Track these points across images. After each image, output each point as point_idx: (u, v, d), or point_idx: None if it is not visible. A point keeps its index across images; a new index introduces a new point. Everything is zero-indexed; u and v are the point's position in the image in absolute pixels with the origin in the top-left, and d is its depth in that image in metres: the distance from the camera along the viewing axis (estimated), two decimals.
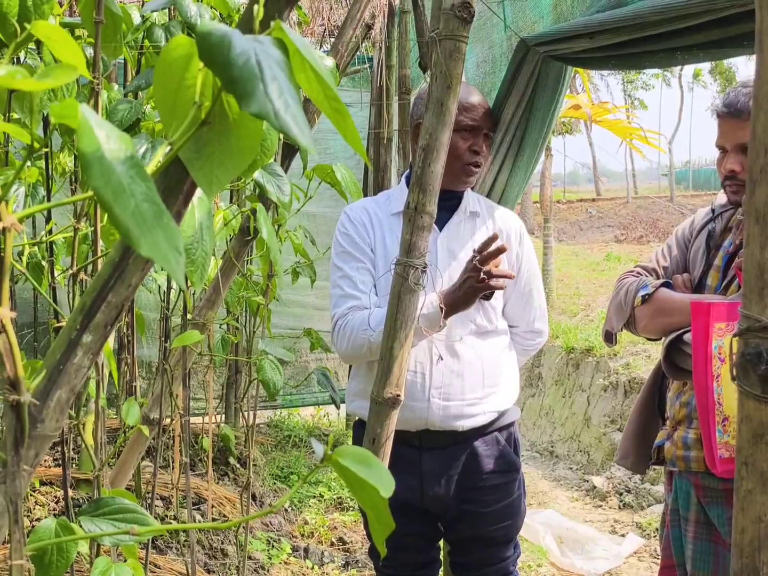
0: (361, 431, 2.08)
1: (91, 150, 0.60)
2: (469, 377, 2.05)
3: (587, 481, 5.37)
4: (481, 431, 2.11)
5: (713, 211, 2.05)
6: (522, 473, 2.22)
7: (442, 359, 1.99)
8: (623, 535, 4.46)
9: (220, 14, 2.45)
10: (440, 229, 2.07)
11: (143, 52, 2.45)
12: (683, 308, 1.88)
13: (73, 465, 3.44)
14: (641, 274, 2.08)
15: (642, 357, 5.64)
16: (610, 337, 2.14)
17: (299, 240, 2.96)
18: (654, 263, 2.10)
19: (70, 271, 1.52)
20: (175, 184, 0.81)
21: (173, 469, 3.26)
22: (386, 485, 0.76)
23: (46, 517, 2.76)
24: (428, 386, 2.00)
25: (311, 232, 3.30)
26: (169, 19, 2.28)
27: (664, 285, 1.98)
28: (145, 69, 2.56)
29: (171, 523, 2.65)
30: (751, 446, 0.88)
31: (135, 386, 3.25)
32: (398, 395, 1.64)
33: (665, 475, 2.04)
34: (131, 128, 2.16)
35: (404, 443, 1.94)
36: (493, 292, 1.99)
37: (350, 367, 2.50)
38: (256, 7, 0.84)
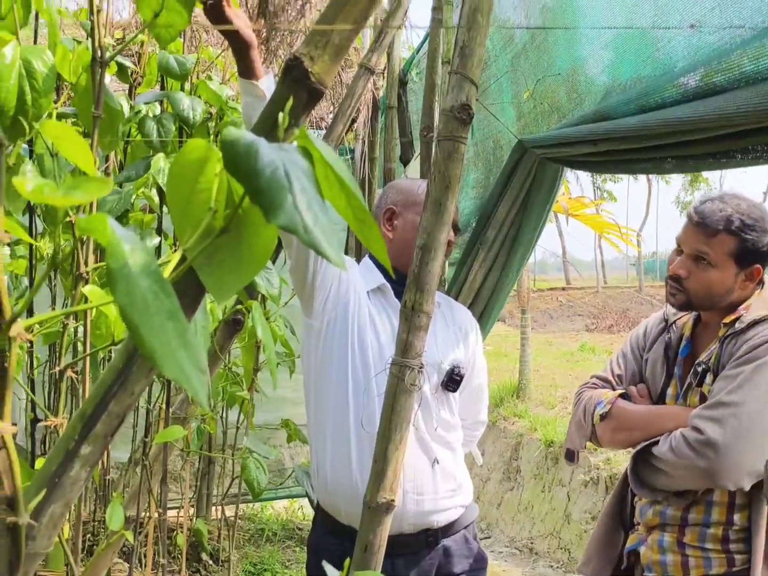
0: (321, 533, 2.02)
1: (119, 266, 0.57)
2: (440, 470, 2.01)
3: None
4: (449, 529, 2.06)
5: (666, 321, 2.09)
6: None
7: (438, 463, 1.97)
8: None
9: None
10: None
11: (129, 141, 2.45)
12: (642, 421, 1.91)
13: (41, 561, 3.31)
14: (597, 386, 2.09)
15: (623, 452, 5.58)
16: (571, 456, 2.12)
17: (282, 331, 2.93)
18: (609, 373, 2.12)
19: (58, 368, 1.47)
20: (185, 289, 0.78)
21: (146, 566, 3.14)
22: None
23: None
24: (401, 481, 1.95)
25: (291, 323, 3.26)
26: (161, 111, 2.28)
27: (620, 396, 2.00)
28: (131, 159, 2.56)
29: None
30: None
31: (108, 480, 3.15)
32: (392, 500, 1.58)
33: None
34: (120, 219, 2.14)
35: None
36: (460, 385, 2.01)
37: None
38: (281, 115, 0.82)
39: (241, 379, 2.87)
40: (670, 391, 1.98)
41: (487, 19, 1.57)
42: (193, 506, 4.42)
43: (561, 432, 6.48)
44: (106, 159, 2.08)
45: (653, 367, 2.04)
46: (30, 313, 1.96)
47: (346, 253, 4.33)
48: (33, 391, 1.82)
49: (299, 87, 0.94)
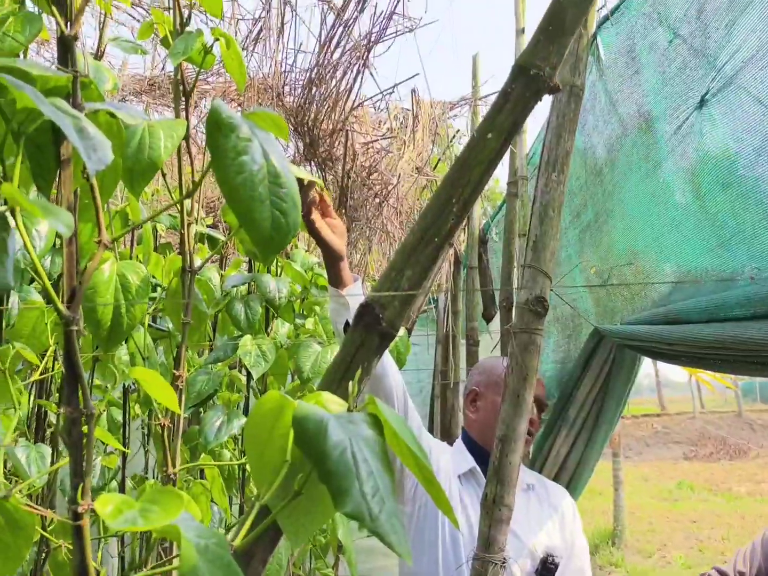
0: None
1: (190, 567, 0.60)
2: None
3: None
4: None
5: None
6: None
7: None
8: None
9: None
10: None
11: (219, 309, 2.54)
12: None
13: None
14: None
15: None
16: None
17: None
18: (732, 568, 1.96)
19: (145, 569, 1.51)
20: (262, 534, 0.81)
21: None
22: None
23: None
24: None
25: None
26: (248, 293, 2.37)
27: None
28: (221, 331, 2.65)
29: None
30: None
31: None
32: None
33: None
34: (209, 398, 2.20)
35: None
36: (555, 574, 1.92)
37: None
38: (351, 384, 0.86)
39: (326, 547, 2.85)
40: None
41: (558, 213, 1.61)
42: None
43: None
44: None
45: None
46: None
47: (431, 413, 4.35)
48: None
49: (371, 332, 0.99)
